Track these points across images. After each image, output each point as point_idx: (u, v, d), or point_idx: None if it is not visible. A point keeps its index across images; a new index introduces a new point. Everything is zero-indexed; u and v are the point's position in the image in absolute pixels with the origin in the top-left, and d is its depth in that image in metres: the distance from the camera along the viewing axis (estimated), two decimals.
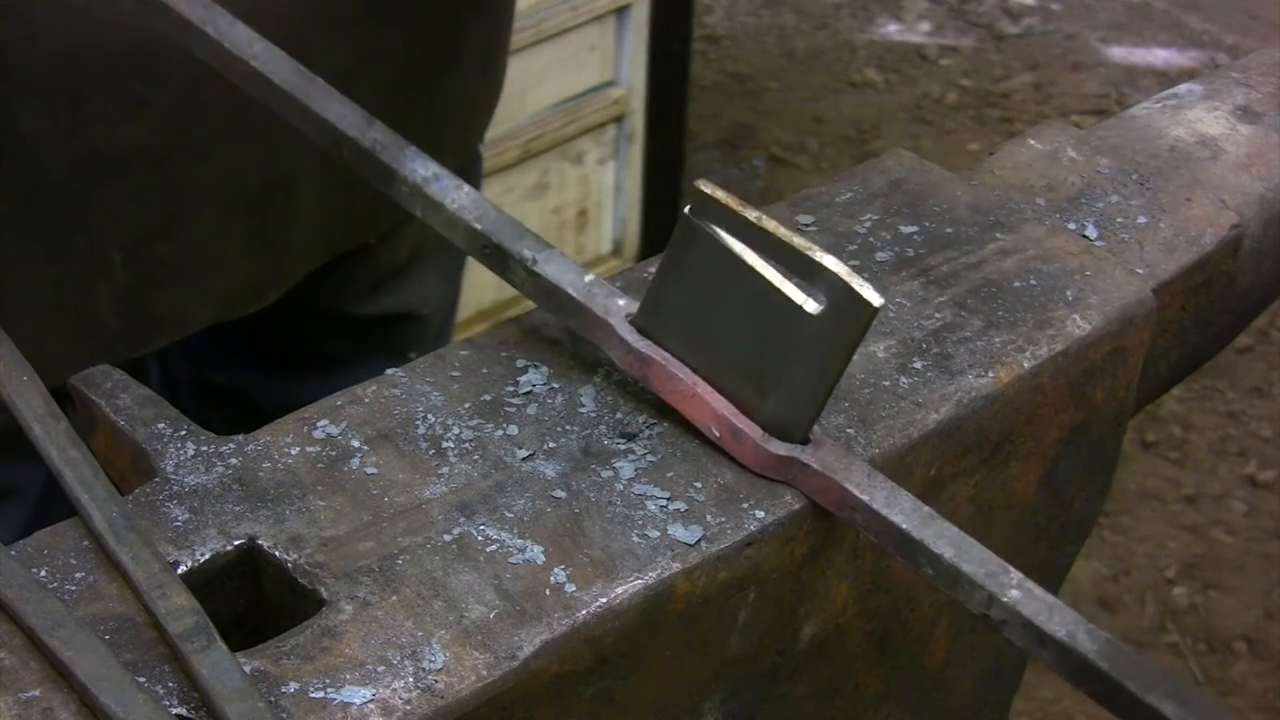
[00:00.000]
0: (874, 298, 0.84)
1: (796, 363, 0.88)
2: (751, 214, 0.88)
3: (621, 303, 0.95)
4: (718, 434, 0.92)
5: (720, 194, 0.88)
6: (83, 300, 1.35)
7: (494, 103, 1.64)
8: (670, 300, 0.93)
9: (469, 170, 1.70)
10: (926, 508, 0.88)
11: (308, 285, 1.52)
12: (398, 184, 0.97)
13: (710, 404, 0.92)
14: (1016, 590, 0.84)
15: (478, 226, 0.96)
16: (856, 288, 0.84)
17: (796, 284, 0.87)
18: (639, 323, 0.94)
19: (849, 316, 0.86)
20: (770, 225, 0.87)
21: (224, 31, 0.98)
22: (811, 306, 0.87)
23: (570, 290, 0.95)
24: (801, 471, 0.90)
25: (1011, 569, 0.85)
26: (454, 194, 0.97)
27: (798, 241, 0.86)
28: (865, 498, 0.88)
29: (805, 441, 0.91)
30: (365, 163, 0.97)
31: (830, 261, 0.85)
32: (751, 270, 0.88)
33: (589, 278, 0.95)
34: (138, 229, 1.34)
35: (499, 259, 0.96)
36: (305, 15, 1.32)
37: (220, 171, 1.32)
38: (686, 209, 0.90)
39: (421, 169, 0.97)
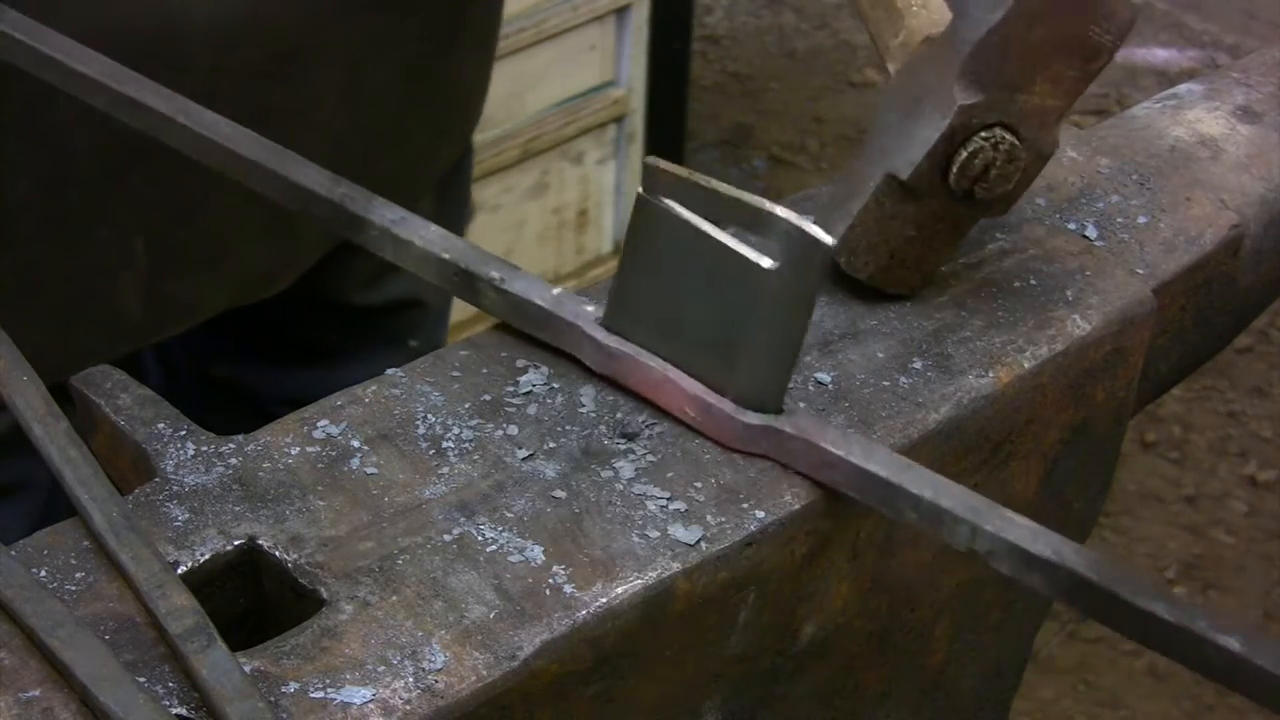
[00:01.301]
0: (824, 236, 0.86)
1: (760, 326, 0.90)
2: (701, 179, 0.89)
3: (590, 308, 0.97)
4: (693, 415, 0.93)
5: (667, 165, 0.89)
6: (107, 288, 1.38)
7: (485, 92, 1.66)
8: (635, 290, 0.94)
9: (464, 163, 1.70)
10: (903, 458, 0.90)
11: (312, 276, 1.54)
12: (368, 230, 1.01)
13: (681, 387, 0.93)
14: (999, 519, 0.86)
15: (446, 256, 0.99)
16: (807, 229, 0.86)
17: (752, 244, 0.88)
18: (607, 322, 0.95)
19: (804, 263, 0.87)
20: (721, 187, 0.88)
21: (193, 118, 1.04)
22: (767, 263, 0.87)
23: (538, 301, 0.97)
24: (777, 439, 0.91)
25: (992, 504, 0.87)
26: (421, 231, 1.00)
27: (748, 198, 0.87)
28: (841, 452, 0.90)
29: (779, 411, 0.92)
30: (337, 217, 1.02)
31: (781, 210, 0.86)
32: (708, 238, 0.89)
33: (557, 291, 0.98)
34: (159, 216, 1.36)
35: (468, 284, 0.99)
36: None
37: None
38: (640, 189, 0.90)
39: (389, 214, 1.00)
